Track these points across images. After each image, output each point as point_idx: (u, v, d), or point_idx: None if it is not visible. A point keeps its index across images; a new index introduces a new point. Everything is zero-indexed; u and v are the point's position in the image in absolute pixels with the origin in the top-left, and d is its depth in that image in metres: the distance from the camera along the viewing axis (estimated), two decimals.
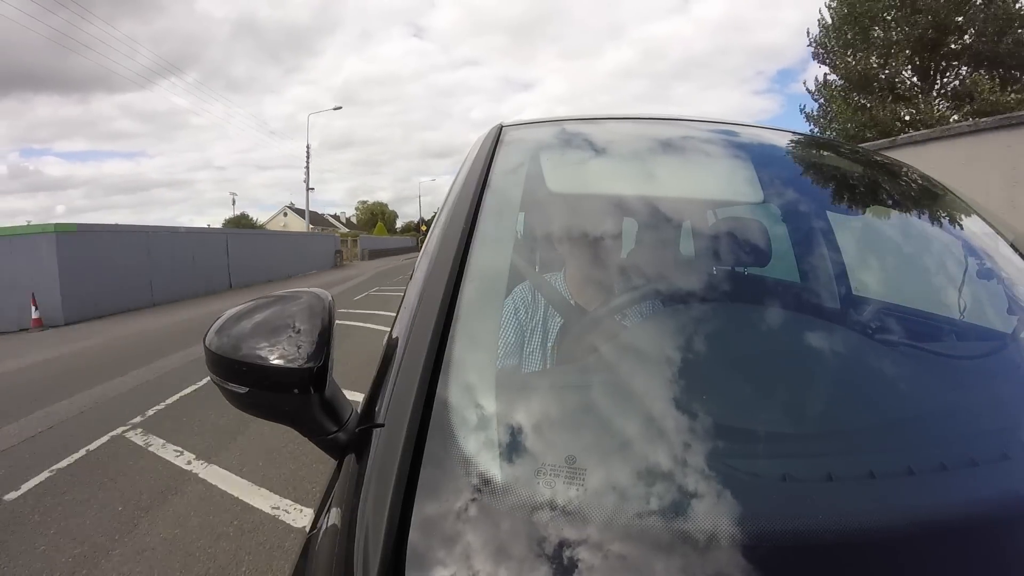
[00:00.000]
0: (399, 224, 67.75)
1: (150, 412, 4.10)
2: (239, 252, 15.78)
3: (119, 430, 3.72)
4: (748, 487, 0.49)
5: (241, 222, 48.09)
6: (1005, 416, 0.65)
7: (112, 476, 3.01)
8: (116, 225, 11.58)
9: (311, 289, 0.64)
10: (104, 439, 3.57)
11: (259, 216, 54.96)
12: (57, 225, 9.63)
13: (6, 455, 3.38)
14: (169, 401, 4.36)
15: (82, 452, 3.36)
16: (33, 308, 8.96)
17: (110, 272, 10.34)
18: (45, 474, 3.06)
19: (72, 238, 9.74)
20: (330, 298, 0.63)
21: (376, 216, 56.95)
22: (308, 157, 28.87)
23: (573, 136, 1.07)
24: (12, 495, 2.82)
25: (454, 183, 0.94)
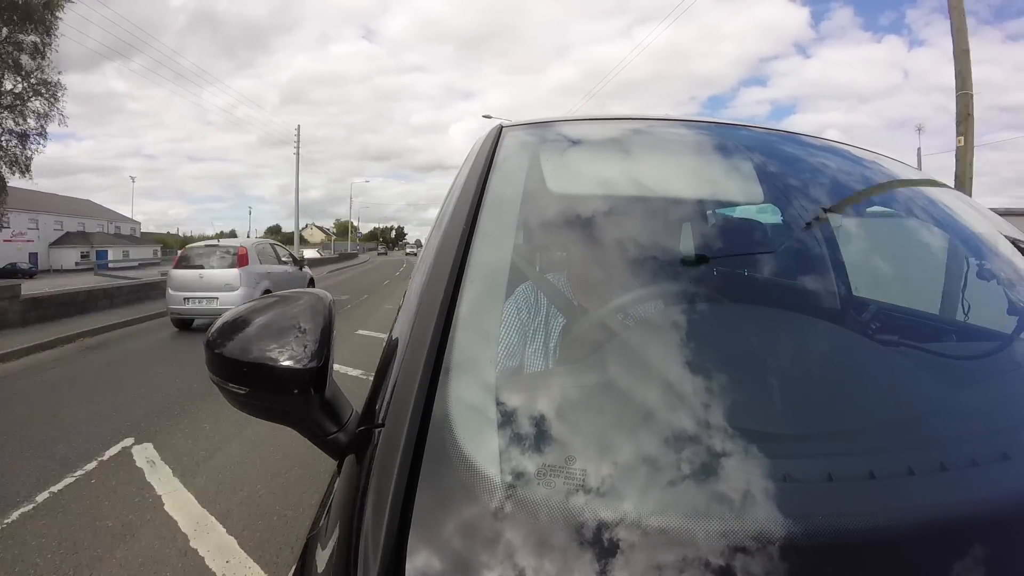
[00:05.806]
0: (359, 234, 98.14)
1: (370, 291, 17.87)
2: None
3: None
4: (748, 487, 0.49)
5: (277, 232, 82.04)
6: (1005, 416, 0.65)
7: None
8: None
9: (312, 290, 0.64)
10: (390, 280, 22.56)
11: (288, 226, 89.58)
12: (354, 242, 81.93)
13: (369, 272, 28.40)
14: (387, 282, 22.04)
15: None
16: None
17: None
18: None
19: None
20: (330, 299, 0.63)
21: (346, 229, 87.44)
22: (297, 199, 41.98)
23: (573, 136, 1.07)
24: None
25: (454, 184, 0.94)
